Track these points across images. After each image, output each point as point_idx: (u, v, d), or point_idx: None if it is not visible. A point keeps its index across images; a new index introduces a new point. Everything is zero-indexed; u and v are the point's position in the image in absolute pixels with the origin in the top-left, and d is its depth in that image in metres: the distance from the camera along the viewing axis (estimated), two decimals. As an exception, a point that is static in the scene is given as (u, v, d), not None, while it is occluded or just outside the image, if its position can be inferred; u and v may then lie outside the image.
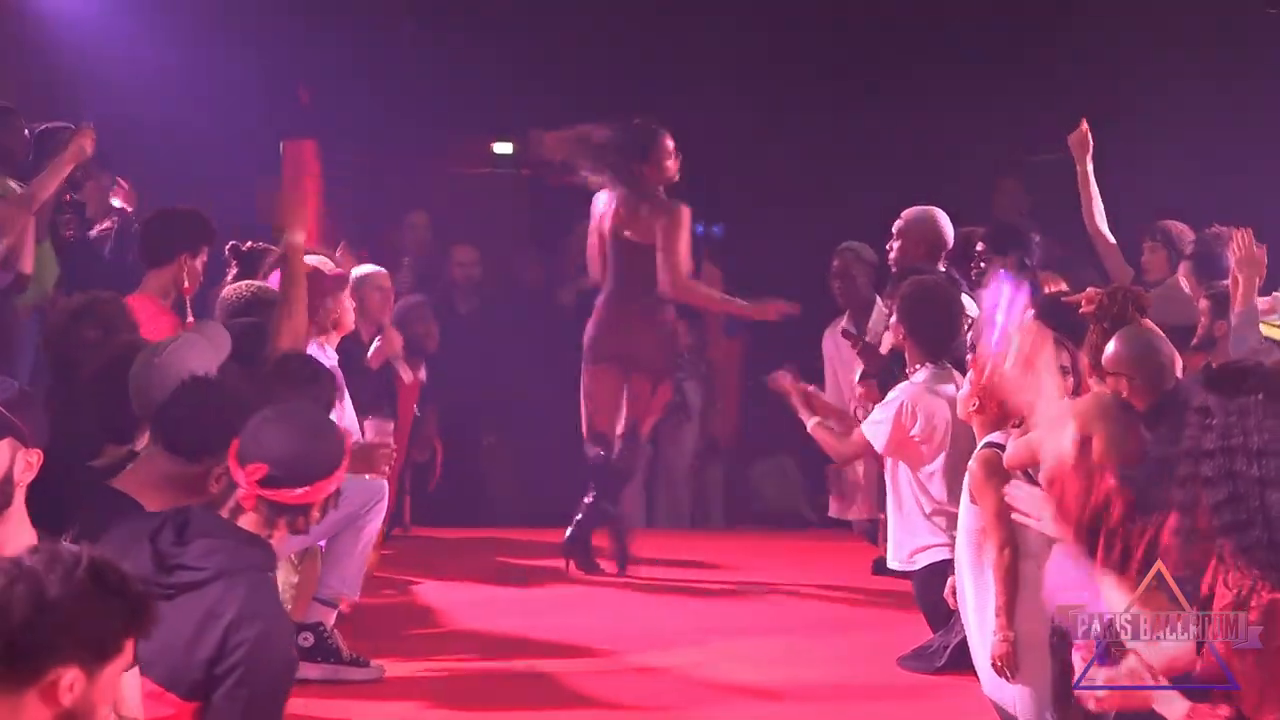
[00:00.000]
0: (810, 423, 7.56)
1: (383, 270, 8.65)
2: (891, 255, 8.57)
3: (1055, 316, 6.77)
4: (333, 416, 6.66)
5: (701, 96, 10.89)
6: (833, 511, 9.11)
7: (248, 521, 4.18)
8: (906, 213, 8.57)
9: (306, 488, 4.19)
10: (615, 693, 6.74)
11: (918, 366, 7.21)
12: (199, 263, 7.25)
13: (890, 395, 7.23)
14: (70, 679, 3.08)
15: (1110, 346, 5.98)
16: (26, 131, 8.38)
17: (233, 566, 4.07)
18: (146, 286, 7.17)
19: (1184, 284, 8.14)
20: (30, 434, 4.05)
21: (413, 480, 9.45)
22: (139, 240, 7.63)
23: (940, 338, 7.21)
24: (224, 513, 4.25)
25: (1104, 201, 8.45)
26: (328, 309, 7.33)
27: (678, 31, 10.88)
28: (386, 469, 6.64)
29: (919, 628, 7.24)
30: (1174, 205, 8.96)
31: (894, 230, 8.56)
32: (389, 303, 8.67)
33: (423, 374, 9.14)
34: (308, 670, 6.04)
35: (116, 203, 9.03)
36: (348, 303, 7.54)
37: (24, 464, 4.06)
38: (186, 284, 7.20)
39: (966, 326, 7.38)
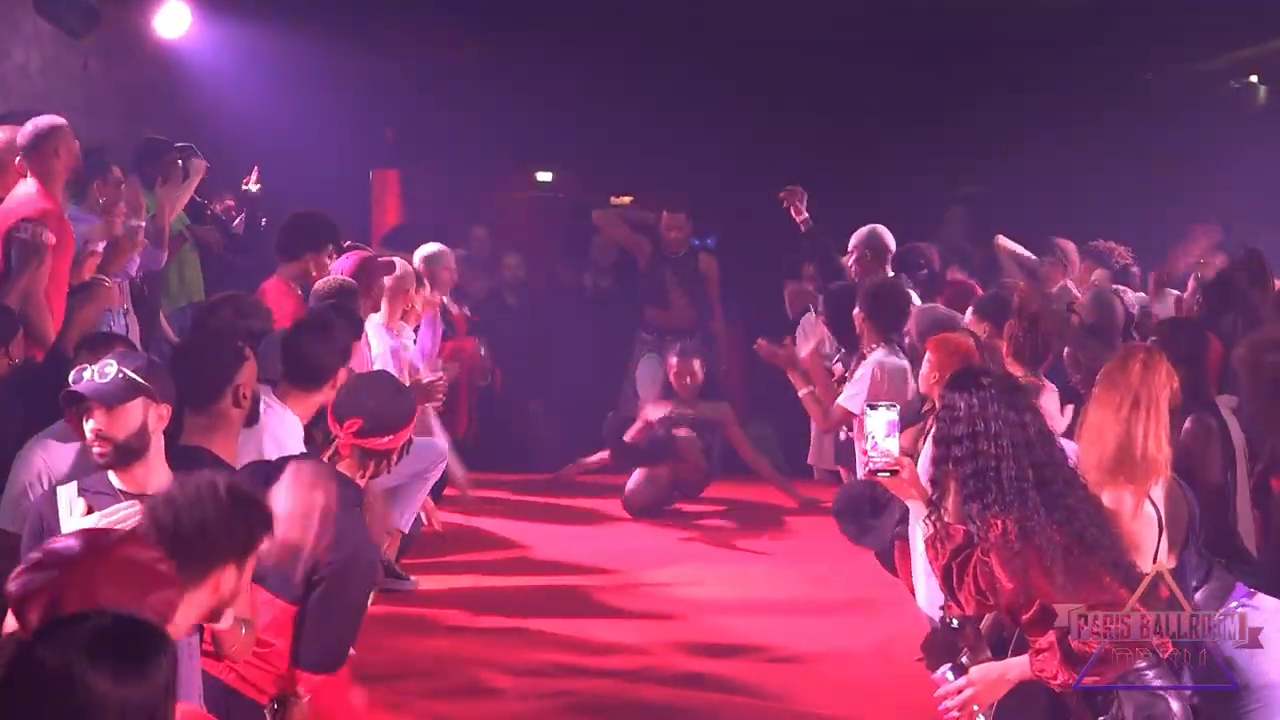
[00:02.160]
0: (802, 392, 7.39)
1: (449, 250, 8.49)
2: (851, 267, 8.44)
3: (991, 311, 6.66)
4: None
5: (703, 137, 10.86)
6: (810, 459, 8.97)
7: (344, 466, 4.22)
8: (857, 233, 8.43)
9: (391, 436, 4.23)
10: (623, 603, 6.68)
11: (874, 346, 7.06)
12: (325, 257, 6.96)
13: (859, 371, 7.08)
14: (229, 576, 3.20)
15: None
16: (180, 162, 8.22)
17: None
18: (280, 273, 6.98)
19: (1072, 287, 8.09)
20: (159, 392, 3.99)
21: (478, 398, 9.37)
22: (277, 235, 7.40)
23: (892, 322, 7.07)
24: (324, 458, 4.27)
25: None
26: (404, 298, 7.23)
27: (688, 85, 10.88)
28: (441, 398, 6.52)
29: (869, 557, 7.10)
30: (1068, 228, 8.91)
31: (850, 247, 8.43)
32: (454, 278, 8.51)
33: (466, 309, 9.08)
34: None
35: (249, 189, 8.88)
36: (416, 295, 7.39)
37: (156, 416, 4.02)
38: (315, 274, 6.88)
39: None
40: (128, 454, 3.93)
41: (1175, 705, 3.70)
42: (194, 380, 4.40)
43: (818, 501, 8.55)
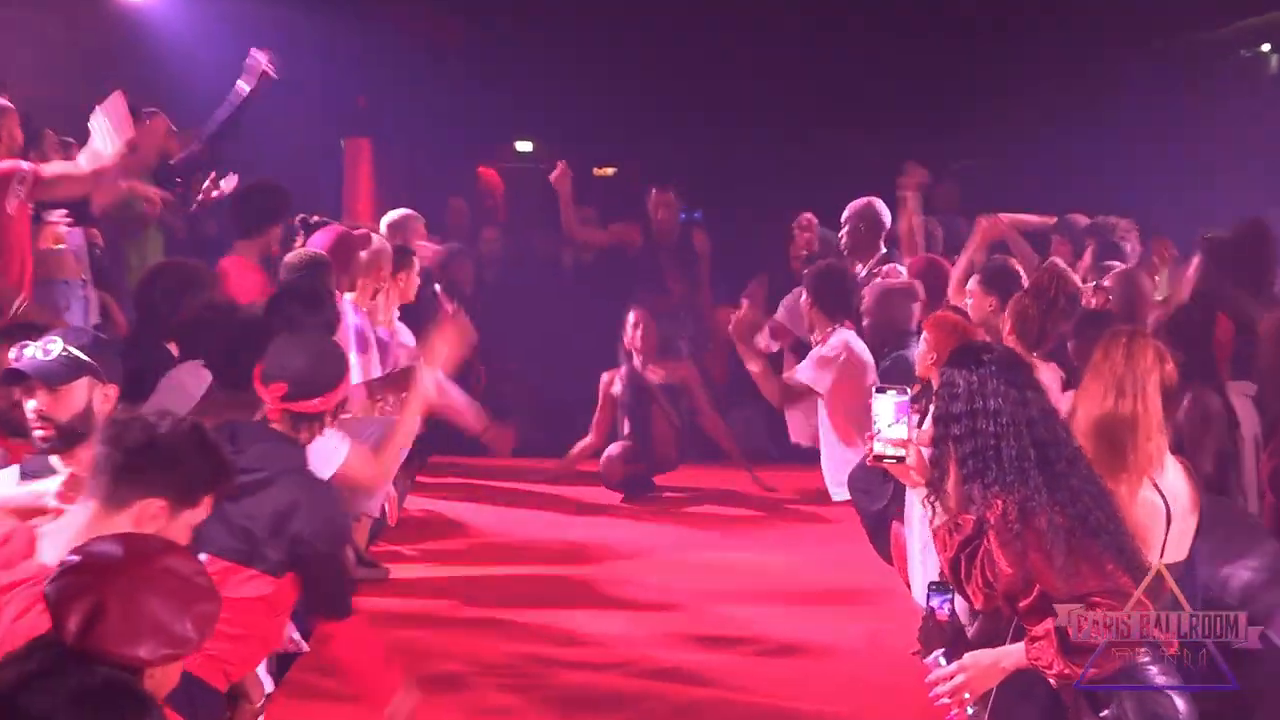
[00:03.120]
0: (752, 367, 7.44)
1: (418, 215, 8.44)
2: (843, 240, 8.40)
3: (999, 283, 6.60)
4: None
5: (691, 107, 10.79)
6: (794, 438, 8.90)
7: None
8: (852, 204, 8.38)
9: (320, 398, 4.20)
10: (604, 592, 6.66)
11: (830, 329, 7.06)
12: (280, 228, 7.10)
13: (826, 350, 7.05)
14: (156, 509, 3.12)
15: None
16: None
17: (287, 466, 4.09)
18: (241, 250, 7.01)
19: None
20: (105, 372, 3.93)
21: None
22: (230, 213, 7.42)
23: (838, 307, 7.13)
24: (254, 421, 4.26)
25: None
26: (376, 275, 7.17)
27: (673, 54, 10.78)
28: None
29: (862, 545, 7.05)
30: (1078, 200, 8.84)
31: (843, 220, 8.37)
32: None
33: (457, 303, 9.05)
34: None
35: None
36: (414, 277, 7.49)
37: (102, 397, 3.99)
38: (275, 248, 7.04)
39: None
40: (71, 437, 3.88)
41: (1180, 703, 3.66)
42: (227, 358, 4.40)
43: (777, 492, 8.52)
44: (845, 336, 6.99)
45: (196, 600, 2.58)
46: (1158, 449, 4.13)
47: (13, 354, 3.95)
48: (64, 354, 3.89)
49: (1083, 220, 8.35)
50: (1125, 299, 6.60)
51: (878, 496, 6.63)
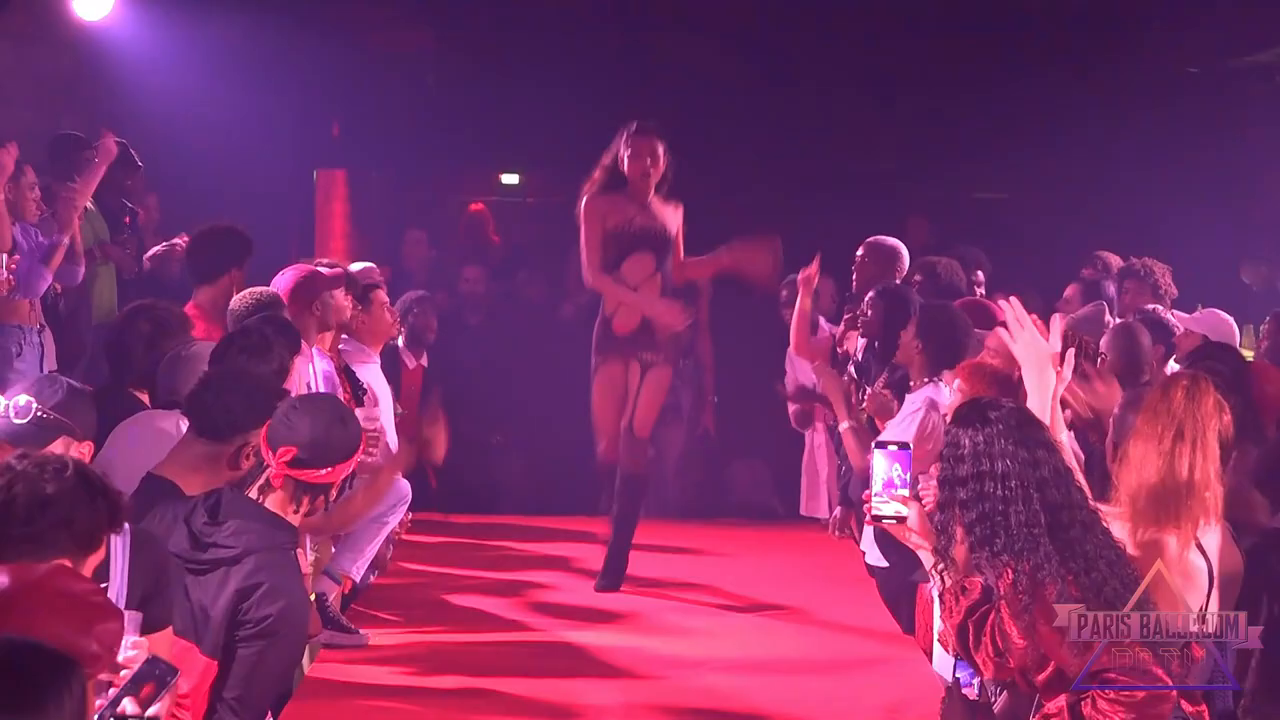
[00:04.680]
0: (844, 425, 7.21)
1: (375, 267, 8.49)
2: (853, 276, 8.44)
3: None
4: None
5: (693, 135, 10.81)
6: (804, 510, 8.91)
7: (275, 500, 4.17)
8: (870, 239, 8.41)
9: (329, 469, 4.18)
10: (599, 660, 6.63)
11: (925, 380, 6.87)
12: (243, 274, 7.10)
13: (908, 408, 6.90)
14: None
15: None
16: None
17: (261, 545, 4.06)
18: (197, 299, 7.04)
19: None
20: (80, 428, 3.97)
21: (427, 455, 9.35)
22: (187, 258, 7.49)
23: (950, 356, 6.71)
24: (253, 491, 4.24)
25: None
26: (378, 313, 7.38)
27: (662, 84, 10.80)
28: (375, 451, 6.52)
29: (876, 611, 7.13)
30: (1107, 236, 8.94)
31: (858, 255, 8.40)
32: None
33: (424, 360, 9.14)
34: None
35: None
36: (381, 311, 7.51)
37: (77, 455, 3.98)
38: (235, 294, 6.95)
39: None
40: None
41: None
42: (209, 407, 4.41)
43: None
44: (930, 394, 6.82)
45: (96, 618, 2.65)
46: (1214, 501, 4.15)
47: None
48: (37, 415, 3.91)
49: (1116, 261, 8.43)
50: (1125, 358, 6.53)
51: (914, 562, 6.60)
